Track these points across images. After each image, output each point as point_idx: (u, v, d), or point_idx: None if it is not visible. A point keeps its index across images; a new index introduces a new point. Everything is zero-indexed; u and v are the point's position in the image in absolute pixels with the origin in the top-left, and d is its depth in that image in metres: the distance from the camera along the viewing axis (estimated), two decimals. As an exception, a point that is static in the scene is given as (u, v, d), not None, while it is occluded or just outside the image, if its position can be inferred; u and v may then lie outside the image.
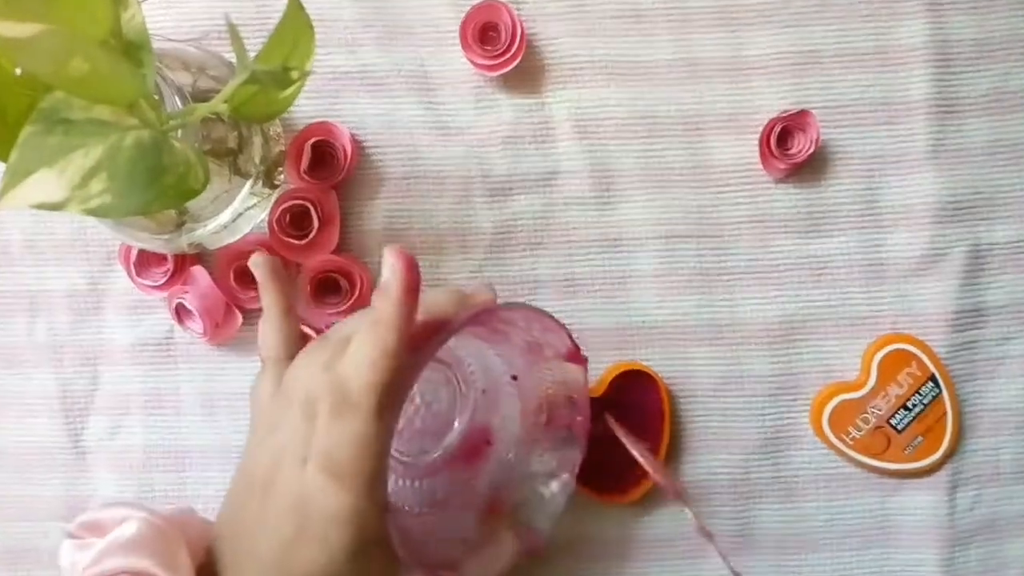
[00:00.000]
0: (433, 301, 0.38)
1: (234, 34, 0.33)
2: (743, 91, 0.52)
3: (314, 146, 0.50)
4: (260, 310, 0.52)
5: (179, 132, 0.37)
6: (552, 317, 0.40)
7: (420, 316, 0.36)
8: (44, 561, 0.53)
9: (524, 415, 0.47)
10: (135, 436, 0.53)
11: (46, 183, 0.30)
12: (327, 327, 0.51)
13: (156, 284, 0.51)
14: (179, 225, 0.45)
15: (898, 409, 0.51)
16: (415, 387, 0.36)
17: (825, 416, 0.51)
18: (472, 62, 0.51)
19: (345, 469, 0.33)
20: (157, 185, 0.33)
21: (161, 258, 0.51)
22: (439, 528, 0.44)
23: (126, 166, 0.32)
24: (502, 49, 0.50)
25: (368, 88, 0.52)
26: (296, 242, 0.50)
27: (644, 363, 0.52)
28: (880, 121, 0.52)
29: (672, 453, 0.52)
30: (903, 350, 0.51)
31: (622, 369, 0.51)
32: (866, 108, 0.52)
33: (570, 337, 0.42)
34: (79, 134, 0.31)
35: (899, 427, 0.51)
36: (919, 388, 0.51)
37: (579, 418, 0.45)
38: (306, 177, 0.50)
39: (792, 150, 0.51)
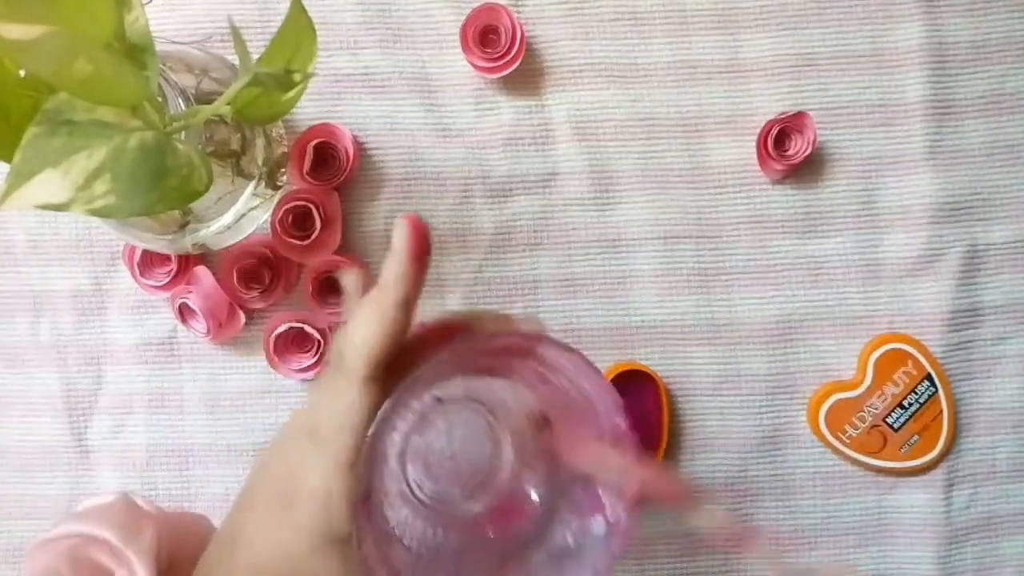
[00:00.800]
0: (471, 312, 0.36)
1: (237, 36, 0.34)
2: (741, 93, 0.53)
3: (316, 148, 0.50)
4: (261, 310, 0.52)
5: (182, 134, 0.37)
6: (607, 383, 0.31)
7: (452, 319, 0.33)
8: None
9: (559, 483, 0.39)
10: (138, 435, 0.53)
11: (50, 184, 0.31)
12: (329, 327, 0.51)
13: (160, 284, 0.51)
14: (183, 226, 0.46)
15: (894, 408, 0.51)
16: (445, 422, 0.33)
17: (822, 415, 0.51)
18: (472, 64, 0.51)
19: (321, 432, 0.30)
20: (161, 186, 0.33)
21: (165, 258, 0.51)
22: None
23: (130, 167, 0.32)
24: (502, 52, 0.50)
25: (370, 90, 0.53)
26: (298, 243, 0.50)
27: (643, 363, 0.52)
28: (877, 123, 0.53)
29: (671, 452, 0.52)
30: (899, 349, 0.51)
31: (621, 369, 0.51)
32: (863, 110, 0.53)
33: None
34: (83, 135, 0.32)
35: (895, 426, 0.51)
36: (915, 387, 0.51)
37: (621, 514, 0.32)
38: (308, 178, 0.50)
39: (789, 151, 0.51)
